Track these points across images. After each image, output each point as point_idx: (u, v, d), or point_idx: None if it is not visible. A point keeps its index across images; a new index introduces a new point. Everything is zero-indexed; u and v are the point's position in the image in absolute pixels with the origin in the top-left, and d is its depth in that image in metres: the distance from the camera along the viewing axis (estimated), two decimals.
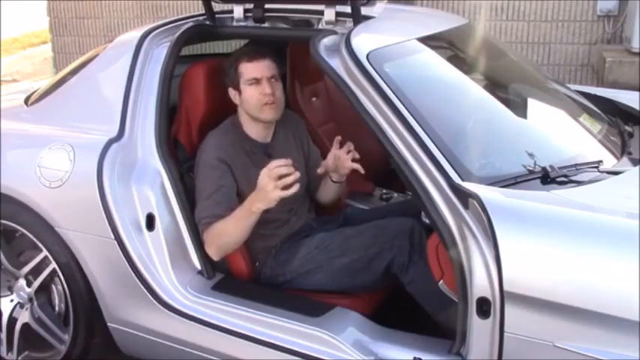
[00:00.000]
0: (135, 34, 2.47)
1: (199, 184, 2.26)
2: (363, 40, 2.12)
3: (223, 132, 2.33)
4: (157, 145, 2.28)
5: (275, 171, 2.00)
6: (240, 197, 2.25)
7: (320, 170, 2.36)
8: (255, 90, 2.26)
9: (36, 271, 2.46)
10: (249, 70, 2.26)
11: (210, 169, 2.24)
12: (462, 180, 1.85)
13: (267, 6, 2.42)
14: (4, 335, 2.53)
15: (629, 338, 1.56)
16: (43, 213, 2.31)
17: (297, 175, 2.01)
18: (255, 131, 2.35)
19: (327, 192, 2.47)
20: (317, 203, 2.55)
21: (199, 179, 2.26)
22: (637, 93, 2.90)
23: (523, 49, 4.86)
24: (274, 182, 2.00)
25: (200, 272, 2.27)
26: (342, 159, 2.26)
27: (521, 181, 1.89)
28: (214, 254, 2.24)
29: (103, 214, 2.18)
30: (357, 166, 2.23)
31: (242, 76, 2.27)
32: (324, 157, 2.41)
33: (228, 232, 2.17)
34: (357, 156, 2.24)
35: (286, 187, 2.01)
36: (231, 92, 2.32)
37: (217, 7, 2.52)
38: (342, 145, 2.27)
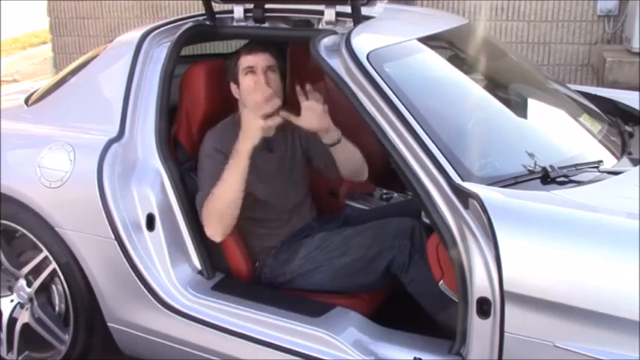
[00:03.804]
0: (135, 34, 2.47)
1: (199, 175, 2.26)
2: (363, 40, 2.12)
3: (223, 127, 2.34)
4: (157, 145, 2.28)
5: (252, 100, 2.11)
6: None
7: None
8: (251, 80, 2.27)
9: (36, 271, 2.46)
10: (247, 60, 2.29)
11: (208, 158, 2.24)
12: (462, 180, 1.85)
13: (267, 6, 2.42)
14: (4, 335, 2.53)
15: (629, 338, 1.57)
16: (43, 213, 2.31)
17: (276, 102, 2.10)
18: None
19: (342, 161, 2.33)
20: (349, 179, 2.46)
21: (199, 170, 2.27)
22: (637, 93, 2.89)
23: (523, 49, 4.86)
24: (253, 112, 2.09)
25: (200, 272, 2.27)
26: (316, 109, 2.17)
27: (521, 181, 1.89)
28: (214, 230, 2.18)
29: (103, 214, 2.18)
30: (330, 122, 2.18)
31: (240, 67, 2.29)
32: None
33: (221, 192, 2.13)
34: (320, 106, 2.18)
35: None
36: (232, 87, 2.33)
37: (217, 7, 2.52)
38: (306, 95, 2.18)
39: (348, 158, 2.33)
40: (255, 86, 2.20)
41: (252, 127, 2.10)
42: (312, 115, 2.18)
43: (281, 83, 2.33)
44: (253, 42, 2.77)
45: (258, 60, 2.28)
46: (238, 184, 2.13)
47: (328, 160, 2.36)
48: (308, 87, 2.19)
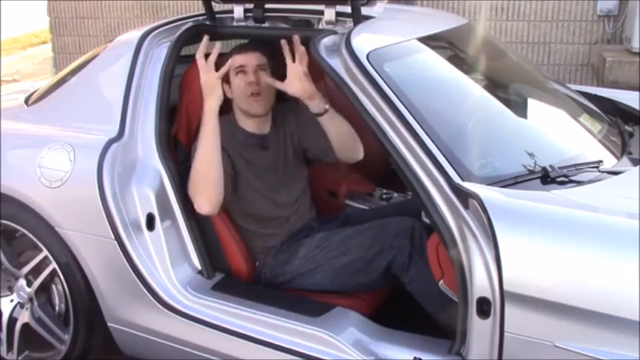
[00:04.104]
0: (135, 34, 2.47)
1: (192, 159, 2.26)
2: (363, 40, 2.12)
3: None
4: (157, 145, 2.28)
5: (198, 57, 2.18)
6: (241, 183, 2.30)
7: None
8: (242, 79, 2.29)
9: (36, 271, 2.46)
10: (238, 59, 2.31)
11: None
12: (462, 180, 1.85)
13: (267, 6, 2.42)
14: (4, 335, 2.53)
15: (629, 338, 1.57)
16: (43, 213, 2.31)
17: (217, 46, 2.20)
18: (249, 124, 2.37)
19: (332, 133, 2.28)
20: (346, 159, 2.40)
21: (192, 161, 2.25)
22: (637, 93, 2.89)
23: (523, 49, 4.86)
24: (204, 68, 2.17)
25: (200, 272, 2.27)
26: (299, 71, 2.16)
27: (521, 181, 1.89)
28: (200, 199, 2.17)
29: (103, 214, 2.18)
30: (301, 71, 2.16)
31: (231, 67, 2.30)
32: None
33: (198, 158, 2.16)
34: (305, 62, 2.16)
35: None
36: (225, 87, 2.32)
37: (217, 7, 2.52)
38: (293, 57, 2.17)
39: (338, 130, 2.30)
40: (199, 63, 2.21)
41: (210, 82, 2.18)
42: (296, 79, 2.18)
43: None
44: (252, 41, 2.77)
45: (248, 59, 2.30)
46: (212, 146, 2.16)
47: (322, 145, 2.34)
48: (295, 39, 2.16)
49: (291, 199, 2.41)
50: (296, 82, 2.19)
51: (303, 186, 2.48)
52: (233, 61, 2.31)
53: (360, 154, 2.39)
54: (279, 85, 2.24)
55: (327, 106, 2.24)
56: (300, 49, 2.16)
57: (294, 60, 2.18)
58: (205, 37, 2.18)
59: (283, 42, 2.16)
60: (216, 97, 2.19)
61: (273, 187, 2.37)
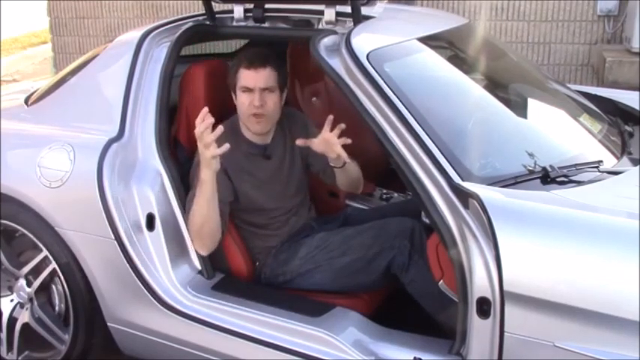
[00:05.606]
0: (135, 34, 2.47)
1: (190, 180, 2.26)
2: (363, 40, 2.12)
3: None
4: (157, 145, 2.28)
5: (197, 134, 2.01)
6: (240, 196, 2.29)
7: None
8: (247, 98, 2.24)
9: (36, 271, 2.46)
10: (245, 77, 2.24)
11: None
12: (462, 180, 1.85)
13: (267, 6, 2.42)
14: (4, 335, 2.53)
15: (629, 338, 1.57)
16: (43, 213, 2.31)
17: (208, 122, 1.99)
18: (252, 135, 2.35)
19: (341, 177, 2.33)
20: (345, 188, 2.44)
21: (191, 174, 2.26)
22: (637, 93, 2.90)
23: (523, 49, 4.86)
24: (202, 144, 2.02)
25: (200, 272, 2.27)
26: (331, 142, 2.11)
27: (521, 181, 1.89)
28: (198, 245, 2.22)
29: (103, 214, 2.18)
30: (343, 154, 2.11)
31: (238, 82, 2.25)
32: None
33: (194, 213, 2.15)
34: (349, 141, 2.11)
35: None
36: (232, 94, 2.32)
37: (217, 7, 2.52)
38: (333, 127, 2.12)
39: (349, 177, 2.33)
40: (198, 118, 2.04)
41: (206, 158, 2.05)
42: (326, 145, 2.13)
43: (280, 100, 2.30)
44: (253, 43, 2.77)
45: (256, 80, 2.22)
46: (207, 208, 2.13)
47: (327, 170, 2.36)
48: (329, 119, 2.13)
49: (291, 203, 2.40)
50: (323, 146, 2.14)
51: (304, 190, 2.48)
52: (241, 77, 2.24)
53: (360, 189, 2.45)
54: (308, 142, 2.18)
55: (345, 161, 2.19)
56: (342, 126, 2.10)
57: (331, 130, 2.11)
58: (205, 109, 2.02)
59: (330, 117, 2.11)
60: (213, 169, 2.09)
61: (273, 195, 2.36)
